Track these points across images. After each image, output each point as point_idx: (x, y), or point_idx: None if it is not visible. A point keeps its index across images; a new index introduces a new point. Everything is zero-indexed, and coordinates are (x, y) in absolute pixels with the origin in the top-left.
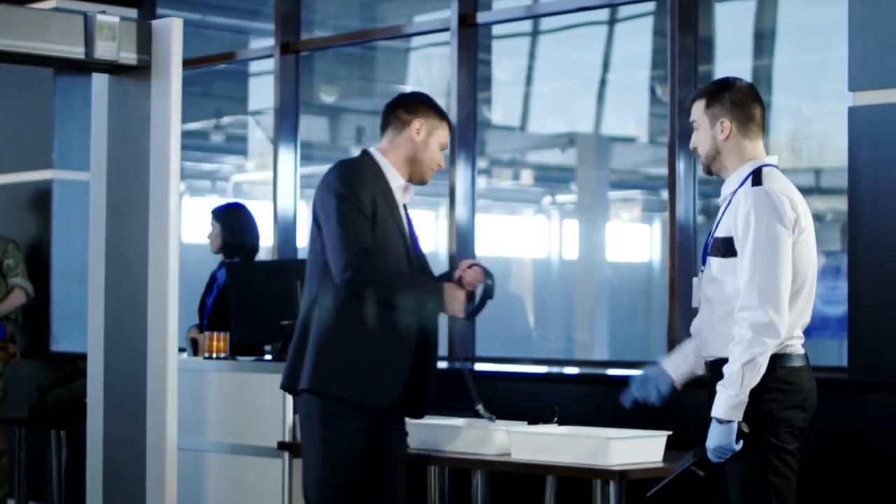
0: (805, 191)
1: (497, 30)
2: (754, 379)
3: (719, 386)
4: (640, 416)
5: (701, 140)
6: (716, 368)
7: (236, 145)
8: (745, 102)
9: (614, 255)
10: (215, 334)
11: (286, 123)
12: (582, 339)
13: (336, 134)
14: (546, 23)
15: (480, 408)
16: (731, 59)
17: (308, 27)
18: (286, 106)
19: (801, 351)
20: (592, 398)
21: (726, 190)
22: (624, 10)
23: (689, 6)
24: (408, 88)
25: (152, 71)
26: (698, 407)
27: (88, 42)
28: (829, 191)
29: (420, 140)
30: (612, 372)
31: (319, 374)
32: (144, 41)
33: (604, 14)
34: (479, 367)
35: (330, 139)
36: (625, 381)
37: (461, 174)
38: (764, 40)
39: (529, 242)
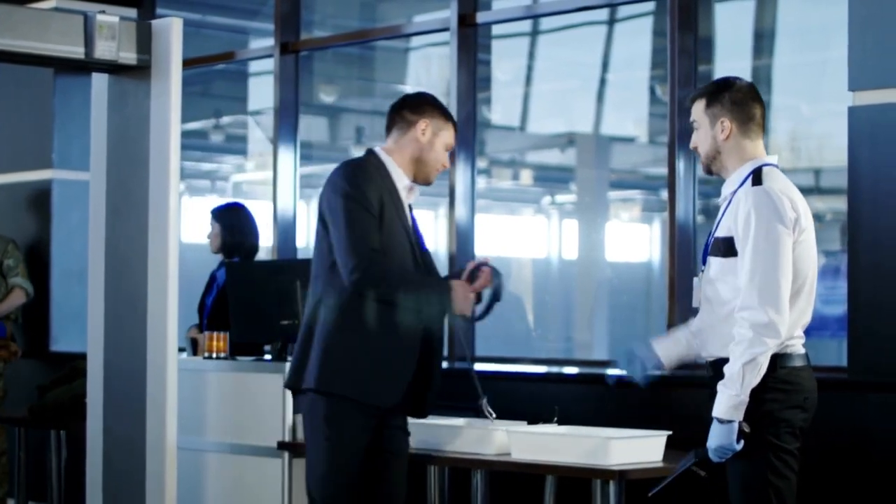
0: (804, 191)
1: (497, 30)
2: (755, 379)
3: (720, 386)
4: (639, 416)
5: (701, 140)
6: (717, 368)
7: (236, 145)
8: (745, 102)
9: (614, 255)
10: (215, 334)
11: (286, 123)
12: (581, 338)
13: (335, 134)
14: (546, 23)
15: (484, 402)
16: (731, 58)
17: (307, 27)
18: (286, 106)
19: (802, 351)
20: (592, 398)
21: (726, 190)
22: (623, 10)
23: (688, 6)
24: (407, 88)
25: (152, 71)
26: (698, 407)
27: (88, 42)
28: (828, 191)
29: (425, 140)
30: (611, 372)
31: (325, 374)
32: (144, 41)
33: (603, 14)
34: (478, 366)
35: (329, 139)
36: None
37: (461, 174)
38: (764, 40)
39: (529, 242)
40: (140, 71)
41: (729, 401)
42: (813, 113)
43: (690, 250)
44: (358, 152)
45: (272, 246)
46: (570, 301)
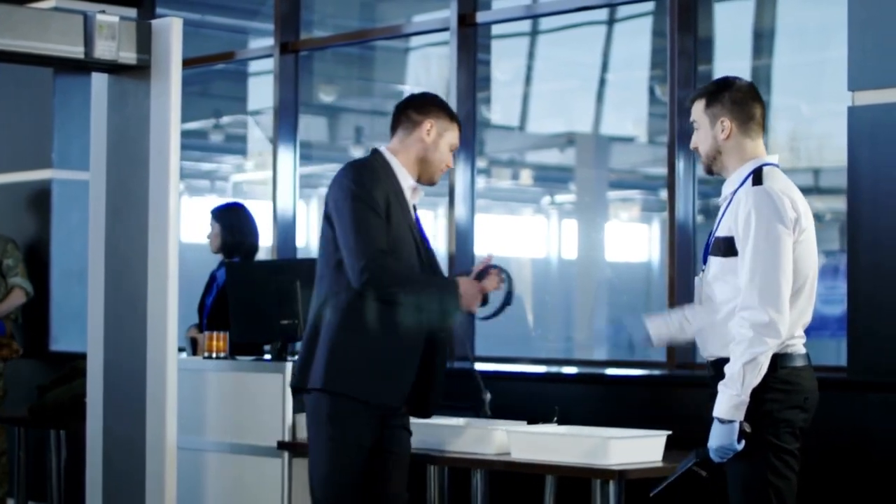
0: (804, 191)
1: (496, 29)
2: (755, 379)
3: (721, 386)
4: (639, 416)
5: (701, 140)
6: (717, 368)
7: (235, 145)
8: (745, 101)
9: (613, 254)
10: (215, 334)
11: (285, 123)
12: (581, 338)
13: (335, 134)
14: (545, 23)
15: (487, 397)
16: (731, 59)
17: (307, 27)
18: (285, 106)
19: (803, 351)
20: (592, 398)
21: (727, 189)
22: (623, 10)
23: (688, 6)
24: (407, 88)
25: (152, 70)
26: (698, 407)
27: (88, 42)
28: (827, 191)
29: (430, 141)
30: (611, 372)
31: (332, 373)
32: (144, 41)
33: (603, 14)
34: (478, 366)
35: (329, 139)
36: (624, 380)
37: (460, 174)
38: (763, 40)
39: (528, 242)
40: (140, 71)
41: (729, 401)
42: (812, 113)
43: (690, 250)
44: (357, 152)
45: (272, 246)
46: (570, 301)
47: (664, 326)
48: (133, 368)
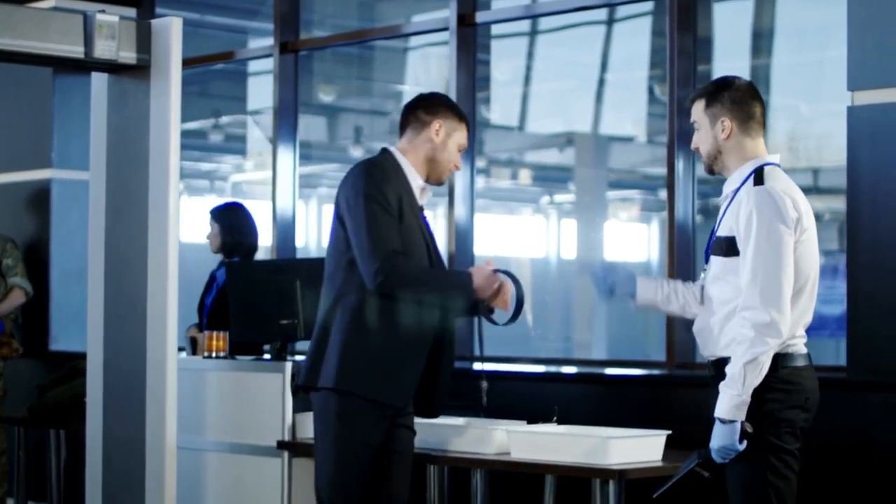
0: (803, 191)
1: (496, 29)
2: (756, 379)
3: (722, 386)
4: (639, 416)
5: (702, 140)
6: (718, 367)
7: (235, 145)
8: (744, 101)
9: (613, 254)
10: (215, 333)
11: (285, 123)
12: (580, 338)
13: (334, 133)
14: (545, 22)
15: (484, 384)
16: (730, 58)
17: (307, 27)
18: (285, 105)
19: (804, 350)
20: (591, 398)
21: (728, 188)
22: (622, 10)
23: (687, 6)
24: (406, 88)
25: (152, 70)
26: (698, 406)
27: (88, 41)
28: (827, 190)
29: (439, 141)
30: (610, 371)
31: (343, 373)
32: (144, 40)
33: (602, 14)
34: (477, 366)
35: (328, 139)
36: (624, 380)
37: (460, 174)
38: (762, 40)
39: (528, 242)
40: (140, 70)
41: (731, 401)
42: (812, 113)
43: (689, 250)
44: (357, 152)
45: (271, 246)
46: (569, 301)
47: (652, 290)
48: (133, 368)
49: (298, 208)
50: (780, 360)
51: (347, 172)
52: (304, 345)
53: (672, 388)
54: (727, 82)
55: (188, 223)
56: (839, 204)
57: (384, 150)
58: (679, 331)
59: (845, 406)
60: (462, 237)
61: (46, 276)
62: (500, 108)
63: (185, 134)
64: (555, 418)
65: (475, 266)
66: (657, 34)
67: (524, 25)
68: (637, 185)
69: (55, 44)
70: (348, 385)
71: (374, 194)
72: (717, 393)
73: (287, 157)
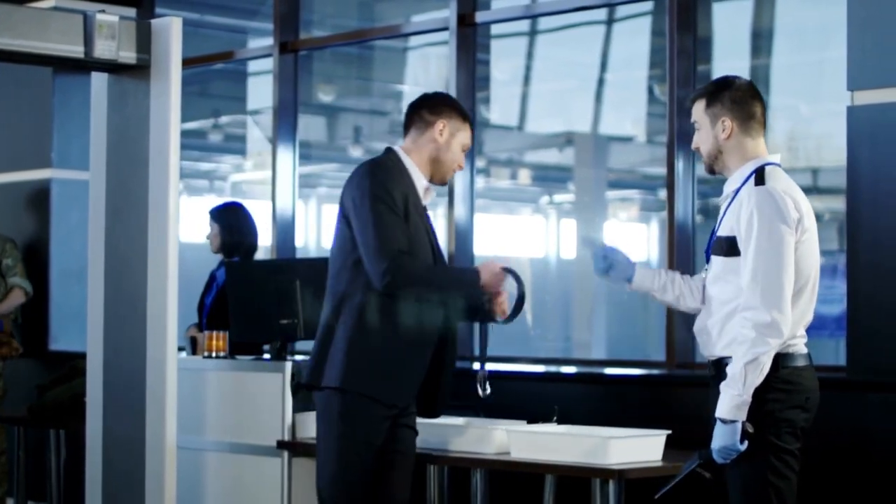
0: (803, 190)
1: (495, 29)
2: (757, 379)
3: (723, 386)
4: (639, 415)
5: (702, 140)
6: (718, 367)
7: (234, 145)
8: (745, 101)
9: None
10: (214, 333)
11: (284, 123)
12: (580, 338)
13: (334, 133)
14: (544, 22)
15: (480, 375)
16: (730, 58)
17: (306, 27)
18: (284, 105)
19: (804, 350)
20: (591, 397)
21: (728, 188)
22: (622, 10)
23: (687, 6)
24: (406, 88)
25: (151, 70)
26: (698, 406)
27: (88, 41)
28: (826, 190)
29: (443, 141)
30: (610, 371)
31: (349, 372)
32: (144, 40)
33: (602, 14)
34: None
35: (328, 139)
36: (623, 380)
37: (460, 174)
38: (762, 40)
39: (527, 242)
40: (140, 70)
41: (732, 401)
42: (812, 113)
43: (689, 250)
44: (356, 152)
45: (271, 245)
46: (569, 300)
47: (649, 278)
48: (133, 368)
49: (298, 208)
50: (780, 360)
51: (353, 172)
52: (303, 345)
53: (672, 388)
54: (727, 82)
55: (188, 223)
56: (839, 204)
57: (388, 150)
58: (679, 331)
59: (845, 406)
60: (462, 237)
61: (46, 276)
62: (499, 107)
63: (185, 134)
64: (555, 418)
65: (483, 262)
66: (657, 34)
67: (524, 25)
68: (637, 184)
69: (55, 43)
70: (353, 384)
71: (381, 194)
72: (717, 393)
73: (287, 156)
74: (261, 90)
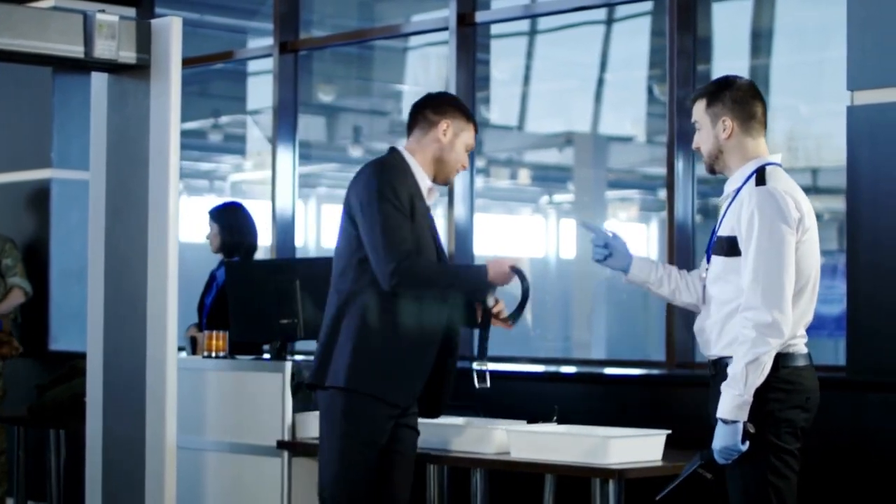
0: (803, 190)
1: (495, 29)
2: (758, 379)
3: (724, 386)
4: (638, 415)
5: (703, 140)
6: (718, 367)
7: (234, 145)
8: (745, 100)
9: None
10: (214, 333)
11: (284, 123)
12: (580, 337)
13: (334, 133)
14: (544, 22)
15: (475, 366)
16: (730, 58)
17: (306, 27)
18: (284, 105)
19: (805, 350)
20: (591, 397)
21: (729, 187)
22: (621, 10)
23: (687, 5)
24: (406, 88)
25: (151, 70)
26: (697, 406)
27: (88, 41)
28: (826, 190)
29: (447, 141)
30: (609, 371)
31: (355, 372)
32: (144, 40)
33: (601, 14)
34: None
35: (328, 138)
36: (623, 379)
37: (459, 173)
38: (762, 40)
39: (527, 242)
40: (139, 70)
41: (733, 401)
42: (811, 113)
43: (689, 250)
44: (356, 152)
45: (271, 245)
46: (569, 300)
47: (646, 271)
48: (133, 368)
49: (298, 208)
50: (780, 359)
51: (359, 172)
52: (303, 345)
53: (672, 388)
54: (728, 82)
55: (188, 223)
56: (839, 204)
57: (393, 150)
58: (679, 330)
59: (845, 406)
60: (462, 237)
61: (46, 276)
62: (499, 107)
63: (185, 134)
64: (554, 418)
65: (493, 259)
66: (656, 34)
67: (524, 25)
68: (636, 184)
69: (55, 43)
70: (358, 384)
71: (388, 194)
72: (717, 393)
73: (286, 156)
74: (261, 90)
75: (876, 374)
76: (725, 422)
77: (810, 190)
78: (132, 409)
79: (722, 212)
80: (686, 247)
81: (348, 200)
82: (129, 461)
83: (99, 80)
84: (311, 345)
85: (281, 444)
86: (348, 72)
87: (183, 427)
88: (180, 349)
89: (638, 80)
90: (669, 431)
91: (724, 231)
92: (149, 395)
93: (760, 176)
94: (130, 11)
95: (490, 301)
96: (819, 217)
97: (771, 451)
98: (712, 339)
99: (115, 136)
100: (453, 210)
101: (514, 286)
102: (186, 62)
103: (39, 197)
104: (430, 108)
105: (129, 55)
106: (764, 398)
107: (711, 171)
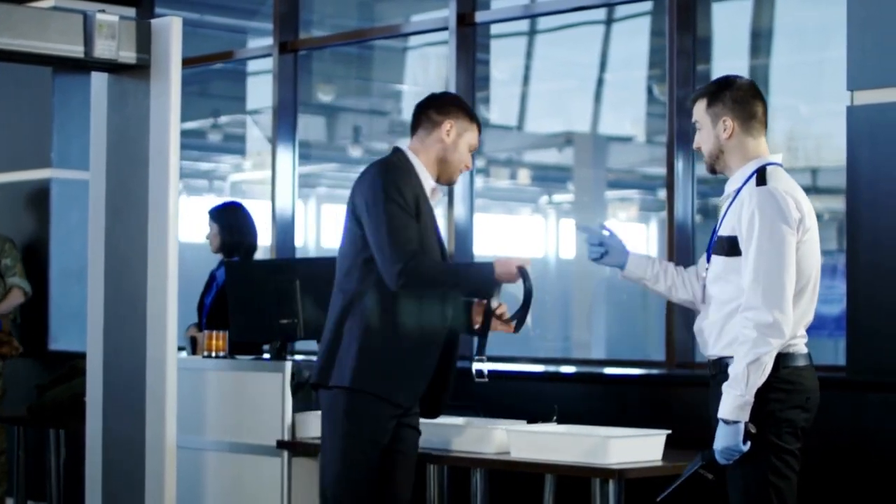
0: (803, 190)
1: (495, 29)
2: (759, 379)
3: (725, 387)
4: (638, 415)
5: (704, 140)
6: (718, 367)
7: (234, 144)
8: (746, 100)
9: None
10: (214, 333)
11: (284, 122)
12: (580, 337)
13: (334, 133)
14: (543, 22)
15: (475, 363)
16: (729, 58)
17: (306, 26)
18: (284, 105)
19: (805, 350)
20: (591, 397)
21: (730, 187)
22: (621, 10)
23: (687, 5)
24: (406, 88)
25: (151, 70)
26: (697, 406)
27: (88, 41)
28: (826, 190)
29: (450, 141)
30: (609, 371)
31: (359, 372)
32: (144, 40)
33: (601, 14)
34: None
35: (328, 138)
36: (623, 379)
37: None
38: (762, 40)
39: (527, 242)
40: (139, 70)
41: (734, 401)
42: (811, 113)
43: (689, 250)
44: (356, 152)
45: (271, 245)
46: (568, 300)
47: (642, 267)
48: (133, 368)
49: (298, 208)
50: (781, 359)
51: (363, 172)
52: (303, 344)
53: (672, 388)
54: (729, 82)
55: (188, 223)
56: (838, 204)
57: (397, 150)
58: (679, 330)
59: (845, 406)
60: (461, 237)
61: (46, 276)
62: (499, 107)
63: (185, 134)
64: (554, 418)
65: (500, 258)
66: (656, 34)
67: (523, 25)
68: (636, 184)
69: (55, 43)
70: (362, 384)
71: (393, 194)
72: (717, 393)
73: (286, 156)
74: (260, 90)
75: (876, 374)
76: (727, 422)
77: (810, 190)
78: (132, 409)
79: (722, 212)
80: (686, 247)
81: (353, 200)
82: (129, 461)
83: (99, 80)
84: (312, 345)
85: (281, 444)
86: (348, 72)
87: (183, 427)
88: (180, 349)
89: (638, 80)
90: (669, 431)
91: (724, 231)
92: (149, 395)
93: (761, 176)
94: (130, 11)
95: (493, 302)
96: (819, 217)
97: (771, 451)
98: (712, 339)
99: (115, 136)
100: (453, 210)
101: (517, 288)
102: (186, 62)
103: (39, 197)
104: (434, 108)
105: (129, 55)
106: (764, 398)
107: (712, 171)
